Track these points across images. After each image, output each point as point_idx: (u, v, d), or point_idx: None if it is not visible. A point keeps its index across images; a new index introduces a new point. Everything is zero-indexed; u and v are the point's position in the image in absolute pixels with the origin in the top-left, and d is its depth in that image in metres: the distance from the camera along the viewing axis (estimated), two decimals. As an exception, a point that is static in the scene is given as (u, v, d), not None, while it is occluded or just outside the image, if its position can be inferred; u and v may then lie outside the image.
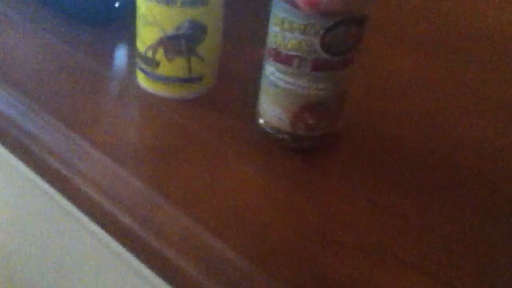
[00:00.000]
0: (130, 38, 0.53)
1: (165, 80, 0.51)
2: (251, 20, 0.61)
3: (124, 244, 0.42)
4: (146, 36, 0.49)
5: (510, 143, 0.52)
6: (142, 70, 0.51)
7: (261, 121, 0.48)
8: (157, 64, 0.50)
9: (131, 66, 0.54)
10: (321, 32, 0.42)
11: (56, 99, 0.50)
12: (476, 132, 0.53)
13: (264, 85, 0.47)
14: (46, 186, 0.49)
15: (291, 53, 0.43)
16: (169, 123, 0.49)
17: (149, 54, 0.50)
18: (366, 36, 0.44)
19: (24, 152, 0.48)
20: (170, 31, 0.48)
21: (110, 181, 0.43)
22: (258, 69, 0.47)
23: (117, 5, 0.61)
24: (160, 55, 0.49)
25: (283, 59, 0.44)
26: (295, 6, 0.41)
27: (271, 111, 0.47)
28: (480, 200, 0.45)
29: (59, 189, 0.46)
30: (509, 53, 0.67)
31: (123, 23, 0.58)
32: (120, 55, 0.57)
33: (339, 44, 0.43)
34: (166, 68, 0.50)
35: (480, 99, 0.58)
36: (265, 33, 0.45)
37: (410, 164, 0.48)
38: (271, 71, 0.45)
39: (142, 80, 0.52)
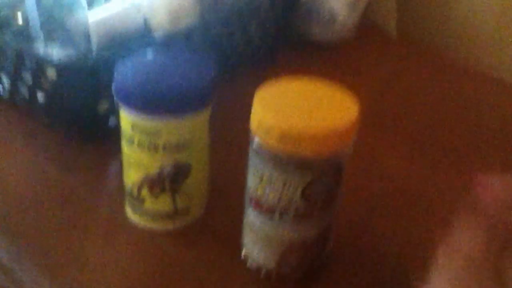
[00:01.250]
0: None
1: (151, 215, 0.51)
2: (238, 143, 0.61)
3: None
4: (131, 174, 0.50)
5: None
6: (130, 204, 0.52)
7: (247, 255, 0.48)
8: (142, 200, 0.50)
9: (122, 192, 0.54)
10: (301, 187, 0.42)
11: (42, 239, 0.50)
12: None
13: (247, 227, 0.47)
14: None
15: (272, 205, 0.43)
16: (157, 259, 0.49)
17: (134, 190, 0.50)
18: (359, 136, 0.43)
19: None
20: (153, 172, 0.48)
21: None
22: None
23: (111, 123, 0.62)
24: (145, 192, 0.50)
25: (264, 209, 0.44)
26: (274, 163, 0.42)
27: (256, 251, 0.47)
28: None
29: None
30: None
31: (117, 142, 0.58)
32: (112, 179, 0.58)
33: (318, 195, 0.43)
34: (151, 203, 0.50)
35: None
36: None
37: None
38: (253, 216, 0.46)
39: (130, 213, 0.52)
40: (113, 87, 0.46)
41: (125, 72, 0.46)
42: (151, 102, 0.45)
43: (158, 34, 0.72)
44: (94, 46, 0.68)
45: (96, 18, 0.71)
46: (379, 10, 0.95)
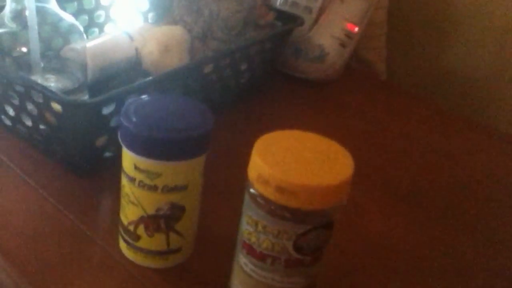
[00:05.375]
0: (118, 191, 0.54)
1: (145, 252, 0.53)
2: (227, 186, 0.62)
3: None
4: (128, 212, 0.51)
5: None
6: (124, 240, 0.53)
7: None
8: (137, 238, 0.52)
9: (116, 227, 0.55)
10: (294, 237, 0.44)
11: (39, 271, 0.51)
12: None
13: (237, 271, 0.49)
14: None
15: (265, 252, 0.45)
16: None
17: (131, 228, 0.52)
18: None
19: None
20: (151, 211, 0.50)
21: None
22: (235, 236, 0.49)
23: (106, 155, 0.63)
24: (140, 230, 0.52)
25: (256, 255, 0.46)
26: (269, 213, 0.44)
27: (245, 296, 0.49)
28: None
29: None
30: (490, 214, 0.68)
31: (112, 174, 0.60)
32: (106, 213, 0.59)
33: (310, 246, 0.45)
34: (146, 241, 0.52)
35: (461, 269, 0.60)
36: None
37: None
38: (244, 261, 0.47)
39: (124, 249, 0.54)
40: (118, 132, 0.48)
41: (130, 118, 0.48)
42: (155, 148, 0.47)
43: (147, 64, 0.75)
44: (89, 74, 0.70)
45: (91, 47, 0.73)
46: (370, 50, 0.98)
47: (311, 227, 0.44)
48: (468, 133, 0.84)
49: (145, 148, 0.47)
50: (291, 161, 0.44)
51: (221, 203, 0.60)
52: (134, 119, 0.48)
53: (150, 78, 0.66)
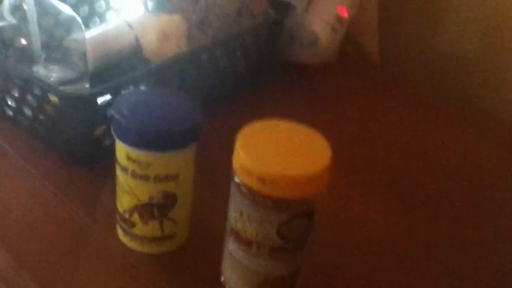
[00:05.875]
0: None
1: (140, 238, 0.55)
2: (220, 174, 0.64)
3: None
4: (123, 201, 0.54)
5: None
6: (121, 227, 0.56)
7: (225, 282, 0.52)
8: (133, 225, 0.54)
9: (114, 214, 0.57)
10: (276, 224, 0.46)
11: (40, 259, 0.54)
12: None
13: (227, 256, 0.51)
14: None
15: (250, 238, 0.47)
16: (145, 280, 0.53)
17: (126, 216, 0.54)
18: (332, 181, 0.46)
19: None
20: (144, 200, 0.52)
21: None
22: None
23: (105, 144, 0.65)
24: (135, 218, 0.54)
25: (243, 241, 0.48)
26: (253, 202, 0.46)
27: (234, 279, 0.51)
28: None
29: None
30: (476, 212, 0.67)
31: (110, 163, 0.62)
32: (106, 202, 0.61)
33: (293, 232, 0.47)
34: (141, 228, 0.54)
35: (444, 264, 0.60)
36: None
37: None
38: (233, 247, 0.50)
39: (121, 235, 0.56)
40: (111, 125, 0.50)
41: (122, 112, 0.50)
42: (144, 139, 0.49)
43: (147, 52, 0.76)
44: (90, 64, 0.72)
45: (91, 36, 0.75)
46: (362, 34, 0.98)
47: (293, 215, 0.46)
48: (460, 123, 0.83)
49: (135, 139, 0.50)
50: (272, 152, 0.46)
51: (216, 192, 0.61)
52: (125, 112, 0.50)
53: (145, 69, 0.68)
